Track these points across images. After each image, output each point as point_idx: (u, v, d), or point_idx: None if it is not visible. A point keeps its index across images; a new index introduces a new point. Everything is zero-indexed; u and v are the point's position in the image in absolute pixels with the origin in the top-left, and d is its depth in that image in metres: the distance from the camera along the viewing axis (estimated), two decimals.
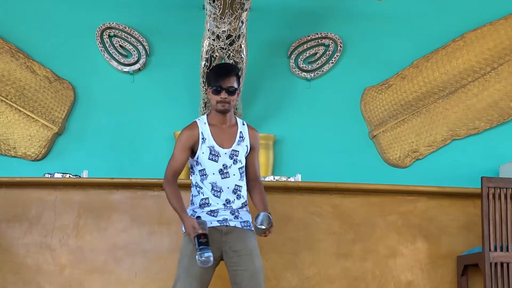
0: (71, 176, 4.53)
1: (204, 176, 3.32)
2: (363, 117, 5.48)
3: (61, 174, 4.52)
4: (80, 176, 4.61)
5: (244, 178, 3.42)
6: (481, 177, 4.06)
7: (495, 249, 3.99)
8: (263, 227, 3.24)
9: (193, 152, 3.35)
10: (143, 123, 5.36)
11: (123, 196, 4.26)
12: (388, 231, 4.35)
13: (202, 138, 3.34)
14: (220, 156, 3.33)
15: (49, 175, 4.49)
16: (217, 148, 3.34)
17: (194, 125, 3.39)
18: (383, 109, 5.47)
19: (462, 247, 4.36)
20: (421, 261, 4.34)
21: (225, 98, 3.30)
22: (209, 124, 3.38)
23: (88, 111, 5.37)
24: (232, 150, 3.36)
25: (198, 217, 3.28)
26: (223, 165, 3.33)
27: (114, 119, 5.37)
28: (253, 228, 3.37)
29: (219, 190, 3.32)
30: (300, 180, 4.63)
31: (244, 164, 3.41)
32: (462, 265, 4.27)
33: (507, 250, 3.98)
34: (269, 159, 5.17)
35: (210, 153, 3.32)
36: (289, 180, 4.54)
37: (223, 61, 4.99)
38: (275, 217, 4.24)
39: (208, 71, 3.66)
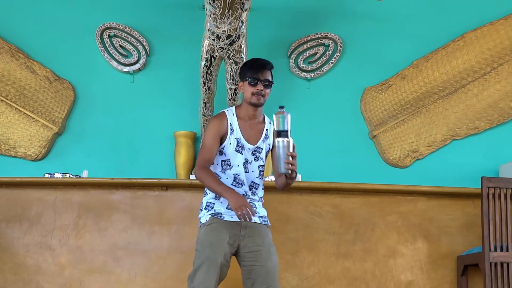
0: (71, 176, 4.53)
1: (228, 167, 3.31)
2: (363, 117, 5.48)
3: (61, 174, 4.53)
4: (80, 176, 4.61)
5: (262, 177, 3.41)
6: (481, 177, 4.06)
7: (495, 249, 3.99)
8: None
9: (220, 141, 3.33)
10: (143, 123, 5.36)
11: (123, 196, 4.26)
12: (388, 231, 4.35)
13: (231, 129, 3.33)
14: (244, 150, 3.33)
15: (49, 175, 4.49)
16: (243, 141, 3.34)
17: (223, 115, 3.36)
18: (383, 109, 5.47)
19: (462, 247, 4.35)
20: (421, 261, 4.33)
21: (261, 90, 3.31)
22: (237, 117, 3.37)
23: (88, 111, 5.37)
24: (256, 147, 3.37)
25: (218, 213, 3.27)
26: (245, 159, 3.33)
27: (114, 119, 5.36)
28: (269, 224, 3.37)
29: (241, 182, 3.31)
30: (300, 180, 4.63)
31: (264, 162, 3.41)
32: (462, 265, 4.27)
33: (507, 250, 3.98)
34: (269, 159, 5.16)
35: (237, 145, 3.32)
36: None
37: (223, 61, 4.99)
38: (275, 217, 4.26)
39: (242, 65, 3.54)
